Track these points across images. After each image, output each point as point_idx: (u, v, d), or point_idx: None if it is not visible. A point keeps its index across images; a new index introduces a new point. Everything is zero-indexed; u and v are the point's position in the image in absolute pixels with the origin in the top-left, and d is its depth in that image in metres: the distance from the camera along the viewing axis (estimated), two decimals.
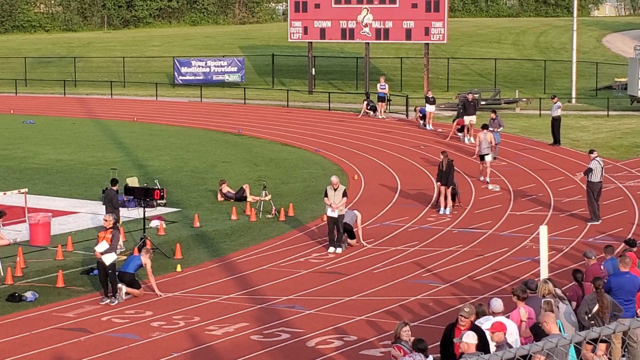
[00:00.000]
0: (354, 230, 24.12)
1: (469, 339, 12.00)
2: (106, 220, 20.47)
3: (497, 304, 13.79)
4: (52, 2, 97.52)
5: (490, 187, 30.49)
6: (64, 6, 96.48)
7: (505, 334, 12.85)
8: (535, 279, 15.34)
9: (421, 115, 43.49)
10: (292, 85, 58.29)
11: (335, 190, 23.44)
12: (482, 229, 25.35)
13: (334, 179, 23.90)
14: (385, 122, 45.27)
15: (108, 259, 19.68)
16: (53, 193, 30.49)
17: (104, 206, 24.04)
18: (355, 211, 24.61)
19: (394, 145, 38.67)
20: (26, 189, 27.81)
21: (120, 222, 24.19)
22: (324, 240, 24.06)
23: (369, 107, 47.23)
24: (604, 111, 46.58)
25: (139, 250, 22.85)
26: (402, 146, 38.58)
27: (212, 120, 47.41)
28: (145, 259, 20.18)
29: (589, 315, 14.58)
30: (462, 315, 12.94)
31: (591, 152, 26.32)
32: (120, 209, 24.29)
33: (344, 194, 23.52)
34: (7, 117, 50.48)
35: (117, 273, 19.90)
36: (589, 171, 25.60)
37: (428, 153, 36.51)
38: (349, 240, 23.99)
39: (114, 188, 24.19)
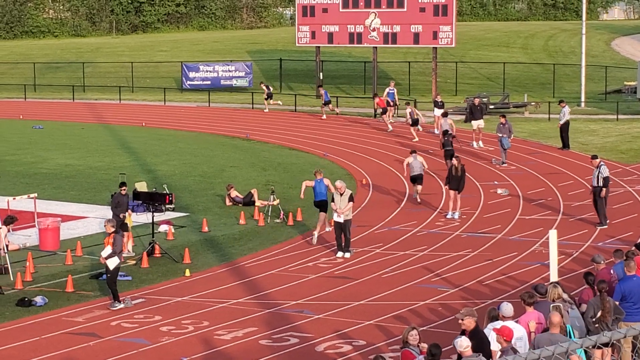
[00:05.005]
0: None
1: (460, 344, 12.03)
2: (105, 226, 20.51)
3: (507, 308, 13.77)
4: (61, 7, 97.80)
5: (499, 191, 30.44)
6: (72, 12, 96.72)
7: (509, 339, 12.84)
8: (545, 284, 15.29)
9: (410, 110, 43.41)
10: (299, 90, 58.28)
11: (341, 195, 23.36)
12: (491, 233, 25.31)
13: (339, 183, 23.78)
14: (393, 127, 45.21)
15: (111, 264, 19.66)
16: (62, 198, 30.55)
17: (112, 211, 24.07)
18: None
19: (401, 150, 38.60)
20: (35, 194, 27.87)
21: (131, 224, 24.07)
22: (332, 244, 24.04)
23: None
24: (614, 115, 46.48)
25: (148, 255, 22.96)
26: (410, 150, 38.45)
27: (220, 125, 47.45)
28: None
29: (594, 319, 14.57)
30: (459, 319, 12.97)
31: (594, 157, 26.39)
32: (128, 211, 24.05)
33: (350, 199, 23.41)
34: (17, 122, 50.62)
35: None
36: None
37: (436, 157, 36.43)
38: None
39: (121, 191, 24.06)
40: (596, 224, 25.64)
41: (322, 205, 24.74)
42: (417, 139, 40.86)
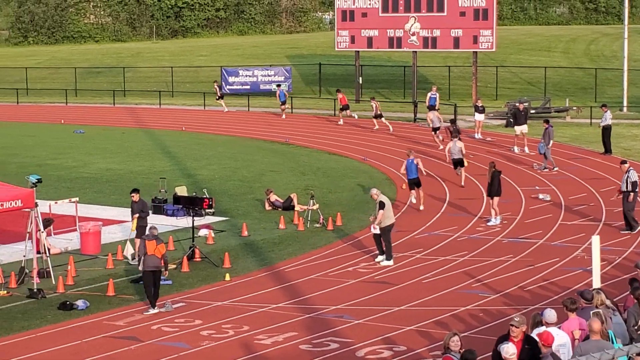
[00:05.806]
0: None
1: (506, 351, 11.90)
2: None
3: (550, 314, 13.63)
4: (102, 13, 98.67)
5: (540, 196, 30.20)
6: (113, 17, 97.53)
7: (547, 344, 12.74)
8: (591, 289, 15.12)
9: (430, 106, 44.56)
10: None
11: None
12: (532, 239, 25.10)
13: (372, 191, 23.70)
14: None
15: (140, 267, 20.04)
16: (103, 202, 30.76)
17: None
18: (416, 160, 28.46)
19: (442, 154, 38.42)
20: (77, 198, 28.10)
21: (132, 230, 23.95)
22: (372, 249, 23.97)
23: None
24: None
25: (188, 259, 23.02)
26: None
27: (260, 129, 47.55)
28: None
29: (636, 327, 14.41)
30: (512, 325, 12.84)
31: (624, 162, 26.40)
32: (145, 216, 24.02)
33: (381, 206, 22.94)
34: (58, 126, 51.10)
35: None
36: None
37: (476, 162, 36.22)
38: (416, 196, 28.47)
39: (132, 197, 24.02)
40: (621, 229, 25.50)
41: (414, 182, 28.68)
42: (377, 127, 44.44)
